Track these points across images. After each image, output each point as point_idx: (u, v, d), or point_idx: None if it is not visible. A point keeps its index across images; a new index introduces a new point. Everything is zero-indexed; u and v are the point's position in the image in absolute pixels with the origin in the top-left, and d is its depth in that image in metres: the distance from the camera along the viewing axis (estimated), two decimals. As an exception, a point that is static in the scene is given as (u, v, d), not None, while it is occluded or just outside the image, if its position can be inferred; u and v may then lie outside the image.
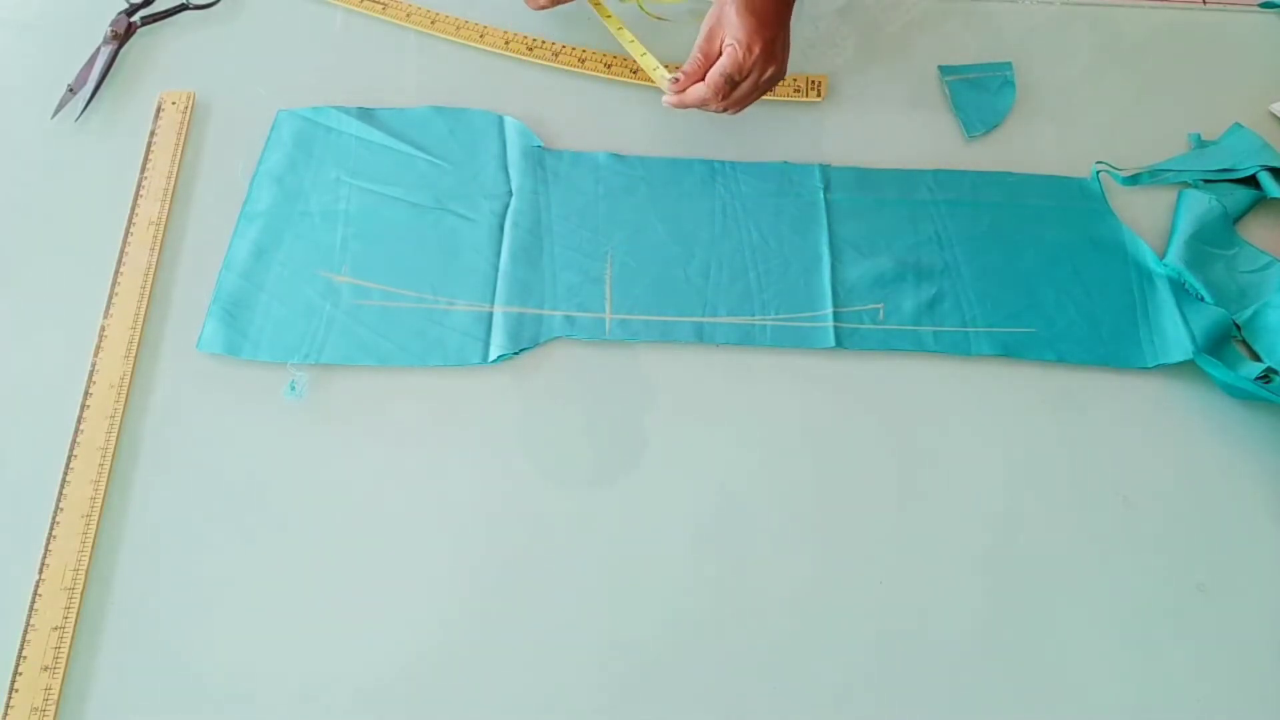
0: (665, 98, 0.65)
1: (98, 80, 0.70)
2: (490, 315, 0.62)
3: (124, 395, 0.58)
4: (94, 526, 0.54)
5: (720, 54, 0.63)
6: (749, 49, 0.61)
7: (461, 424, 0.59)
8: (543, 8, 0.72)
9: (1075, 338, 0.63)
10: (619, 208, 0.67)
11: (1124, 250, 0.67)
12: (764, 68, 0.63)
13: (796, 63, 0.74)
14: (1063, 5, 0.81)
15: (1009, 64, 0.76)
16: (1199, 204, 0.68)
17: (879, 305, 0.64)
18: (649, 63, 0.69)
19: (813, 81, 0.73)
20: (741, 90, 0.64)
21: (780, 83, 0.67)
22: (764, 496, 0.57)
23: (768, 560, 0.56)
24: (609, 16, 0.72)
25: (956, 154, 0.72)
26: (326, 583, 0.54)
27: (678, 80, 0.64)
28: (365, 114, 0.70)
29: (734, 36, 0.61)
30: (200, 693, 0.51)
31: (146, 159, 0.67)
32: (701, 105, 0.64)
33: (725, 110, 0.65)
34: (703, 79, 0.63)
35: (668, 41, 0.73)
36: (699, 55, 0.64)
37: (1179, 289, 0.65)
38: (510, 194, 0.67)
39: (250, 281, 0.62)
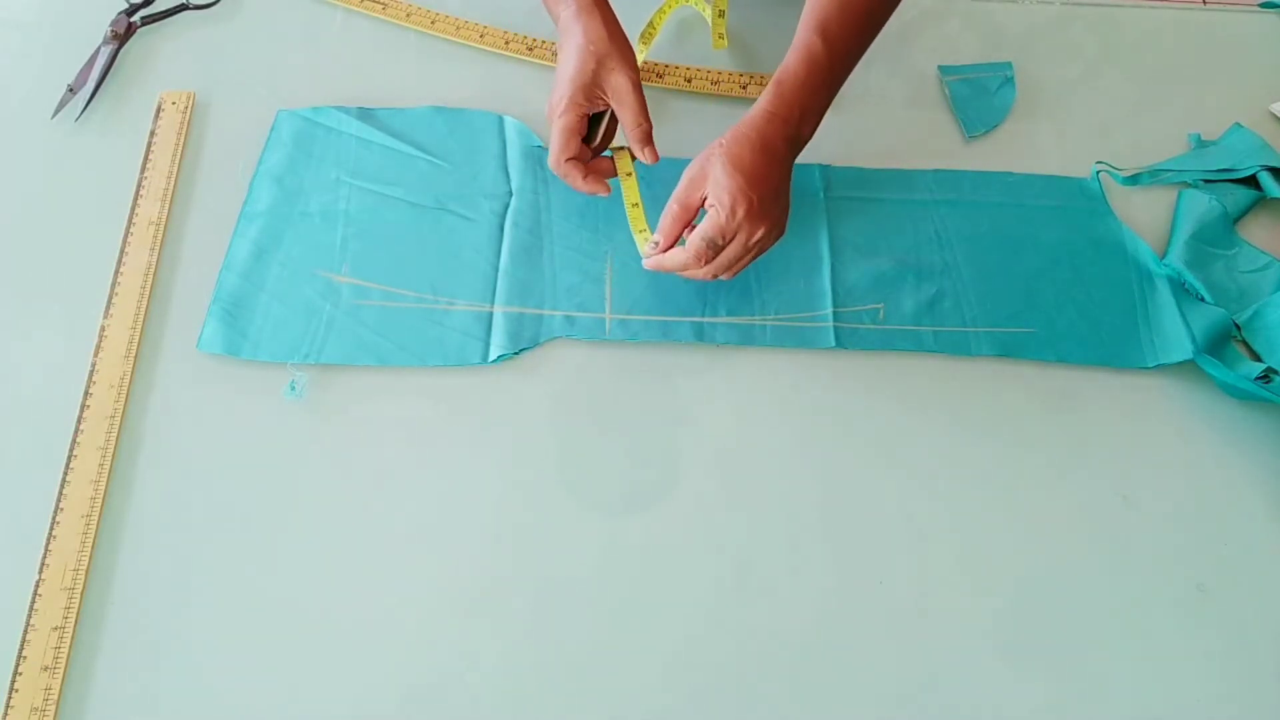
0: (645, 260, 0.60)
1: (98, 80, 0.70)
2: (490, 315, 0.62)
3: (124, 395, 0.58)
4: (94, 526, 0.54)
5: (699, 207, 0.58)
6: (732, 211, 0.55)
7: (461, 424, 0.59)
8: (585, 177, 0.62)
9: (1075, 338, 0.63)
10: (619, 207, 0.67)
11: (1124, 250, 0.67)
12: (752, 230, 0.56)
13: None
14: (1063, 5, 0.81)
15: (1009, 64, 0.76)
16: (1199, 204, 0.68)
17: (879, 305, 0.64)
18: (638, 221, 0.63)
19: (813, 81, 0.73)
20: (728, 254, 0.57)
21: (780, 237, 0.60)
22: (764, 496, 0.57)
23: (766, 559, 0.56)
24: (629, 174, 0.65)
25: (956, 154, 0.72)
26: (326, 581, 0.54)
27: (657, 244, 0.59)
28: (365, 114, 0.70)
29: (716, 196, 0.56)
30: (201, 693, 0.51)
31: (146, 159, 0.67)
32: (682, 270, 0.58)
33: (715, 276, 0.59)
34: (679, 235, 0.58)
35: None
36: (675, 207, 0.58)
37: (1179, 289, 0.65)
38: (510, 194, 0.67)
39: (250, 281, 0.62)
